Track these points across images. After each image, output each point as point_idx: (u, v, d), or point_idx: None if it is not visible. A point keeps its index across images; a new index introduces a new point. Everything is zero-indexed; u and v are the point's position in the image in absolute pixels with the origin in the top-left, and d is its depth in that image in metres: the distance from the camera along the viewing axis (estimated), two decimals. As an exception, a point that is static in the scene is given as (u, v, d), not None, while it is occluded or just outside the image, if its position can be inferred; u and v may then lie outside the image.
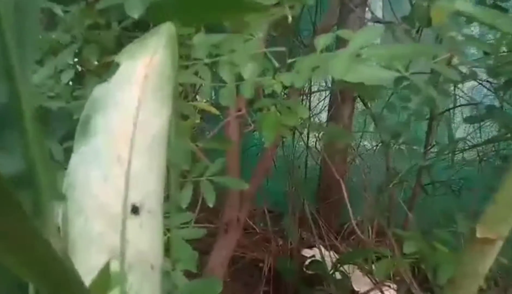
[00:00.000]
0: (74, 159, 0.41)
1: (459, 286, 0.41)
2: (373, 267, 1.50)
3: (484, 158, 1.43)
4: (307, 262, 1.46)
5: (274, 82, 0.57)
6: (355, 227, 1.29)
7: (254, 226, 2.16)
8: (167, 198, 0.73)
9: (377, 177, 2.00)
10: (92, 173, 0.41)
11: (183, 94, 1.17)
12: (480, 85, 1.63)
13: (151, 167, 0.41)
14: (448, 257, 0.61)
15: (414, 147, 1.04)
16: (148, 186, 0.40)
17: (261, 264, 1.96)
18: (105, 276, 0.40)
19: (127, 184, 0.41)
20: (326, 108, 2.19)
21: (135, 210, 0.41)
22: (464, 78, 0.86)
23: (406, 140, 0.92)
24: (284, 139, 2.04)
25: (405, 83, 0.85)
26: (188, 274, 1.72)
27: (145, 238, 0.40)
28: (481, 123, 1.74)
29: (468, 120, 1.13)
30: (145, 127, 0.42)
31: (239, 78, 0.65)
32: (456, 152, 1.35)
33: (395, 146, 0.98)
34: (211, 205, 0.77)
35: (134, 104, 0.43)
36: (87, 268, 0.42)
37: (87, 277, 0.43)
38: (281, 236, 2.15)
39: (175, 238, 0.55)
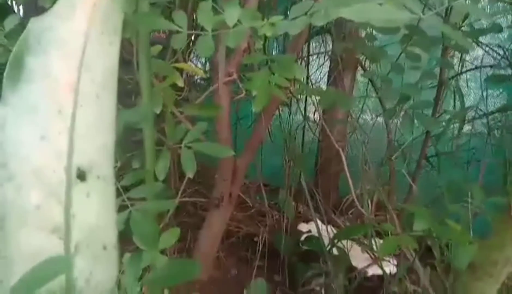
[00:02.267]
0: (1, 112, 0.32)
1: (486, 273, 0.33)
2: (373, 242, 1.44)
3: (495, 129, 1.34)
4: (302, 238, 1.40)
5: (264, 24, 0.47)
6: (355, 200, 1.21)
7: (248, 201, 2.09)
8: (141, 167, 0.64)
9: (377, 150, 1.92)
10: (25, 130, 0.32)
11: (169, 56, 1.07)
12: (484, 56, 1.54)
13: (100, 122, 0.32)
14: (464, 236, 0.54)
15: (424, 113, 0.94)
16: (97, 144, 0.32)
17: (256, 239, 1.91)
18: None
19: (70, 144, 0.32)
20: (326, 76, 2.08)
21: (81, 175, 0.32)
22: (485, 32, 0.76)
23: (416, 104, 0.82)
24: (280, 110, 1.94)
25: (414, 39, 0.75)
26: (180, 250, 1.66)
27: (95, 211, 0.32)
28: (487, 93, 1.65)
29: (491, 79, 1.03)
30: (92, 71, 0.33)
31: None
32: (465, 122, 1.27)
33: (401, 112, 0.89)
34: (190, 176, 0.69)
35: (79, 40, 0.33)
36: (23, 249, 0.34)
37: (26, 260, 0.35)
38: (277, 210, 2.09)
39: (136, 213, 0.47)
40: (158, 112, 0.65)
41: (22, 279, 0.29)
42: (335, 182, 2.22)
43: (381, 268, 1.28)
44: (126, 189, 0.56)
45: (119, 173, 0.66)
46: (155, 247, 0.47)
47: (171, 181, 1.50)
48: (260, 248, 1.55)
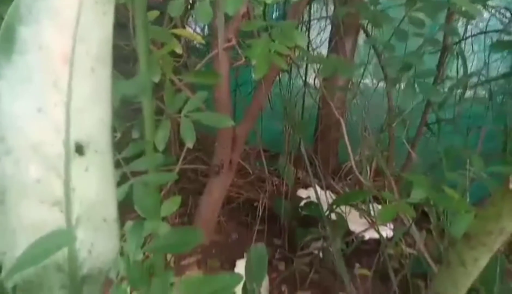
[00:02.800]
0: (-4, 84, 0.32)
1: (480, 242, 0.34)
2: (371, 208, 1.46)
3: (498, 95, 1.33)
4: (302, 204, 1.42)
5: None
6: (354, 167, 1.22)
7: (248, 167, 2.11)
8: (141, 138, 0.64)
9: (377, 117, 1.91)
10: (21, 103, 0.32)
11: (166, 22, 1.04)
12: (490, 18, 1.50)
13: (96, 95, 0.31)
14: (461, 205, 0.55)
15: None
16: (94, 119, 0.31)
17: (256, 204, 1.94)
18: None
19: (67, 117, 0.32)
20: (327, 41, 2.03)
21: (79, 149, 0.32)
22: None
23: (418, 73, 0.81)
24: (280, 75, 1.91)
25: (419, 4, 0.73)
26: (182, 215, 1.69)
27: (94, 185, 0.32)
28: (490, 58, 1.62)
29: (496, 46, 1.00)
30: (86, 42, 0.32)
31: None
32: (468, 88, 1.25)
33: (402, 81, 0.87)
34: (190, 146, 0.68)
35: (72, 10, 0.32)
36: (25, 221, 0.34)
37: (28, 233, 0.35)
38: (276, 176, 2.11)
39: (137, 186, 0.48)
40: (156, 81, 0.64)
41: (27, 252, 0.30)
42: (334, 148, 2.23)
43: (378, 232, 1.31)
44: (127, 160, 0.56)
45: (119, 144, 0.66)
46: (157, 217, 0.47)
47: (171, 149, 1.50)
48: (260, 213, 1.58)
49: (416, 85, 0.74)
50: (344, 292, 1.32)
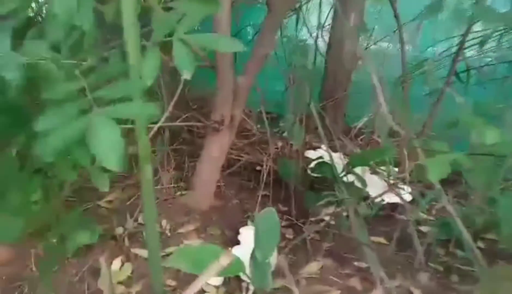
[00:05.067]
0: None
1: None
2: (391, 168, 1.31)
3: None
4: (312, 164, 1.26)
5: None
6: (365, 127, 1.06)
7: (250, 126, 1.94)
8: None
9: (389, 77, 1.74)
10: None
11: None
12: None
13: None
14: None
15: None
16: None
17: (258, 168, 1.79)
18: None
19: None
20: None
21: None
22: None
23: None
24: (286, 20, 1.71)
25: None
26: (178, 180, 1.53)
27: None
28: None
29: None
30: None
31: None
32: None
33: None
34: (188, 77, 0.51)
35: None
36: None
37: None
38: (279, 139, 1.95)
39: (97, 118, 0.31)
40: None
41: None
42: (342, 109, 2.06)
43: (399, 196, 1.16)
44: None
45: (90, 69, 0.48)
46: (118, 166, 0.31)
47: (162, 95, 1.32)
48: (264, 177, 1.42)
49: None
50: (359, 262, 1.19)
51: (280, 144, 1.86)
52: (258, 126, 2.04)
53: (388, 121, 0.94)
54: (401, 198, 1.20)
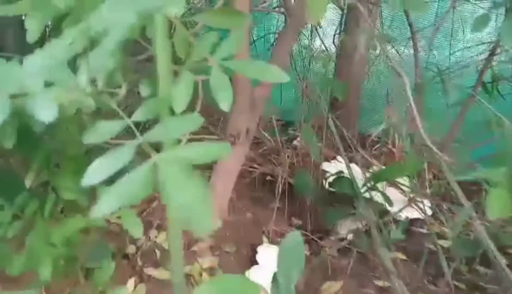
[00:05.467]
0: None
1: None
2: (408, 181, 1.28)
3: None
4: (330, 179, 1.22)
5: None
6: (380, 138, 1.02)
7: (261, 137, 1.90)
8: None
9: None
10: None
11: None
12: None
13: None
14: None
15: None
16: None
17: (268, 178, 1.75)
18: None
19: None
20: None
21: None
22: None
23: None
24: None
25: None
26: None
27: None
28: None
29: None
30: None
31: None
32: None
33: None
34: (226, 109, 0.47)
35: None
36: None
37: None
38: (289, 147, 1.91)
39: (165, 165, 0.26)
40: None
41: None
42: (354, 117, 2.02)
43: (421, 210, 1.12)
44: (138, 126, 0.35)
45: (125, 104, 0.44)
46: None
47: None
48: (280, 190, 1.38)
49: None
50: (380, 281, 1.15)
51: (291, 154, 1.82)
52: (267, 134, 2.00)
53: (419, 131, 0.89)
54: (423, 212, 1.17)
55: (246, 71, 0.47)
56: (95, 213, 0.26)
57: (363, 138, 1.91)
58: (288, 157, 1.80)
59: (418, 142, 1.44)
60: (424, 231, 1.42)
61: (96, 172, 0.29)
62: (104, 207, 0.26)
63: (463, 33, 1.72)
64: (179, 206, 0.26)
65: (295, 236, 0.85)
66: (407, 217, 1.19)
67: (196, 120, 0.33)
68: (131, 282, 1.02)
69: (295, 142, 1.99)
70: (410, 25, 1.58)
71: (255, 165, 1.72)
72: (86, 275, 0.80)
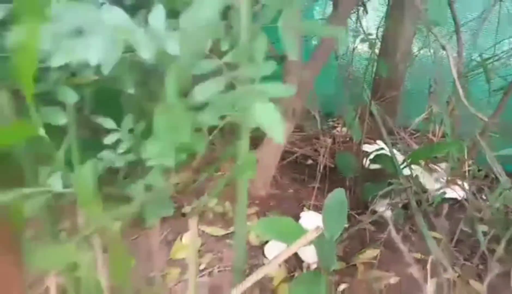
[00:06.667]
0: None
1: None
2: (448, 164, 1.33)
3: None
4: (371, 156, 1.30)
5: None
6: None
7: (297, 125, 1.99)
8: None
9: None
10: None
11: None
12: None
13: None
14: None
15: None
16: None
17: (309, 162, 1.84)
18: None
19: None
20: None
21: None
22: None
23: None
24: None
25: None
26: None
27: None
28: None
29: None
30: None
31: None
32: None
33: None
34: (295, 58, 0.57)
35: None
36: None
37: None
38: (329, 136, 1.99)
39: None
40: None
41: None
42: (394, 108, 2.06)
43: (464, 188, 1.18)
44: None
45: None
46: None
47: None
48: (321, 168, 1.47)
49: None
50: (417, 253, 1.21)
51: (331, 140, 1.90)
52: (308, 124, 2.08)
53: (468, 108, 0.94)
54: (465, 191, 1.22)
55: (309, 29, 0.57)
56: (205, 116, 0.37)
57: (404, 128, 1.96)
58: (328, 141, 1.88)
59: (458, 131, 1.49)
60: (461, 215, 1.46)
61: (201, 91, 0.41)
62: (213, 112, 0.37)
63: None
64: (259, 118, 0.37)
65: (339, 194, 0.95)
66: (444, 197, 1.25)
67: (270, 65, 0.45)
68: (187, 235, 1.14)
69: (334, 132, 2.07)
70: (454, 17, 1.63)
71: (296, 149, 1.82)
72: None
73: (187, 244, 1.11)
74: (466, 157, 1.30)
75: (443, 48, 0.87)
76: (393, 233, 0.74)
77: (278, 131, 0.42)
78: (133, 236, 1.11)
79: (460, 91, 0.84)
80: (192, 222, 0.80)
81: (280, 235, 0.77)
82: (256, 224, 0.81)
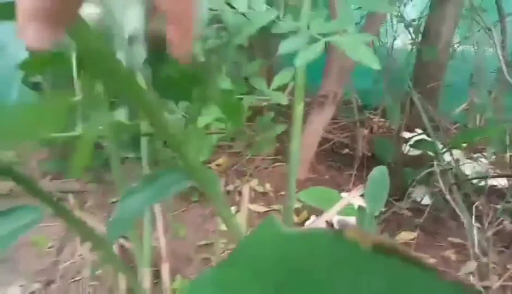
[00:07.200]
0: None
1: None
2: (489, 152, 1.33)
3: None
4: (411, 141, 1.31)
5: None
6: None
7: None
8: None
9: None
10: None
11: None
12: None
13: None
14: None
15: None
16: None
17: (345, 151, 1.87)
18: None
19: None
20: None
21: None
22: None
23: None
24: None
25: None
26: (277, 153, 1.66)
27: None
28: None
29: None
30: None
31: None
32: None
33: None
34: (348, 25, 0.61)
35: None
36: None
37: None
38: (366, 126, 2.01)
39: None
40: None
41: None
42: (434, 98, 2.05)
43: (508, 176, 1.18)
44: None
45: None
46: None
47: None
48: (360, 155, 1.50)
49: None
50: (454, 238, 1.23)
51: (368, 129, 1.93)
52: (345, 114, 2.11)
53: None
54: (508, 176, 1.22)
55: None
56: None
57: (444, 119, 1.95)
58: (365, 130, 1.91)
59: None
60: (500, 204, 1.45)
61: (289, 44, 0.46)
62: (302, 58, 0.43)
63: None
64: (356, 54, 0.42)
65: (381, 169, 0.98)
66: (485, 185, 1.25)
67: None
68: (232, 208, 1.21)
69: (371, 122, 2.09)
70: (499, 8, 1.61)
71: (332, 136, 1.85)
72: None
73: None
74: (508, 144, 1.29)
75: (489, 29, 0.88)
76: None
77: (371, 58, 0.45)
78: (181, 208, 1.19)
79: (506, 72, 0.85)
80: (245, 189, 0.87)
81: (324, 202, 0.82)
82: (302, 193, 0.86)
